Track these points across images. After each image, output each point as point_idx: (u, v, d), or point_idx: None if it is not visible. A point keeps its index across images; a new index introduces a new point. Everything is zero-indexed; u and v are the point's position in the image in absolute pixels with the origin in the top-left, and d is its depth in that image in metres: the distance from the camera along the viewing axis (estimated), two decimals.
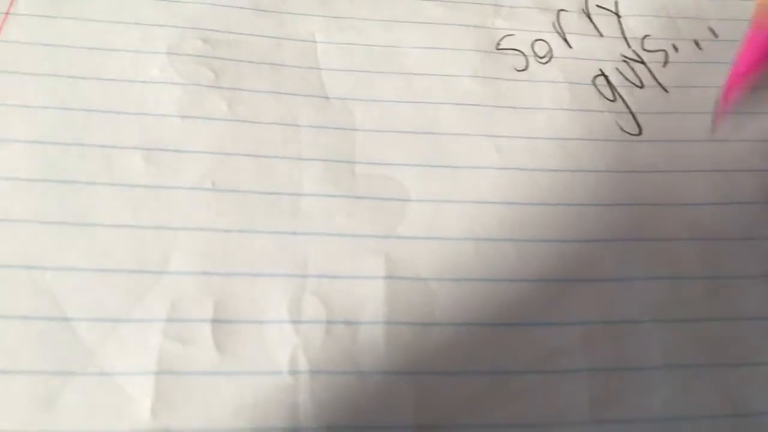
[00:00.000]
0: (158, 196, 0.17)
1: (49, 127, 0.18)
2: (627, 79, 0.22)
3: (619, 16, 0.23)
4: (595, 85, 0.22)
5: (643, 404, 0.15)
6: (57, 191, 0.17)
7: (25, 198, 0.17)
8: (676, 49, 0.23)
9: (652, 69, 0.22)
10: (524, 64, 0.22)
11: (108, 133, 0.18)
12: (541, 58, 0.22)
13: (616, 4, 0.24)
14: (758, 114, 0.21)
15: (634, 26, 0.23)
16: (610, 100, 0.21)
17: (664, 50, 0.23)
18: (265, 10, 0.21)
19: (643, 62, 0.22)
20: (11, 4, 0.20)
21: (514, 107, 0.20)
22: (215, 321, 0.15)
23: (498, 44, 0.22)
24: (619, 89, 0.22)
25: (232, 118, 0.19)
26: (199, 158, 0.18)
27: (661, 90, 0.22)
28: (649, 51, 0.23)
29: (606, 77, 0.22)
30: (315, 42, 0.21)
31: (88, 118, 0.18)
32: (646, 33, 0.23)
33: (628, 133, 0.20)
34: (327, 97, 0.20)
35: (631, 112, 0.21)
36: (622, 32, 0.23)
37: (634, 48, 0.23)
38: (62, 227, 0.16)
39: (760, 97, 0.21)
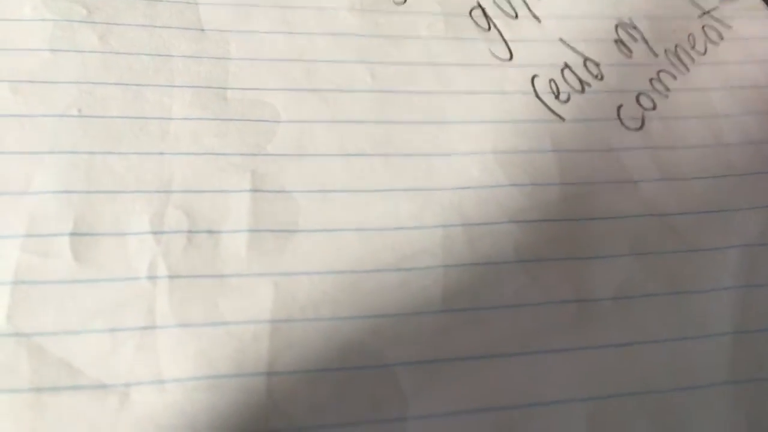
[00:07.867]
0: (23, 124, 0.17)
1: None
2: (502, 10, 0.23)
3: None
4: (471, 16, 0.22)
5: (495, 294, 0.16)
6: None
7: None
8: None
9: (528, 1, 0.23)
10: None
11: None
12: None
13: None
14: None
15: None
16: (485, 30, 0.22)
17: None
18: None
19: None
20: None
21: (390, 36, 0.21)
22: (74, 234, 0.15)
23: None
24: (494, 19, 0.22)
25: (102, 50, 0.19)
26: (67, 88, 0.18)
27: (535, 20, 0.23)
28: None
29: (483, 9, 0.23)
30: None
31: None
32: None
33: (499, 58, 0.21)
34: (203, 30, 0.20)
35: (504, 40, 0.22)
36: None
37: None
38: None
39: None
